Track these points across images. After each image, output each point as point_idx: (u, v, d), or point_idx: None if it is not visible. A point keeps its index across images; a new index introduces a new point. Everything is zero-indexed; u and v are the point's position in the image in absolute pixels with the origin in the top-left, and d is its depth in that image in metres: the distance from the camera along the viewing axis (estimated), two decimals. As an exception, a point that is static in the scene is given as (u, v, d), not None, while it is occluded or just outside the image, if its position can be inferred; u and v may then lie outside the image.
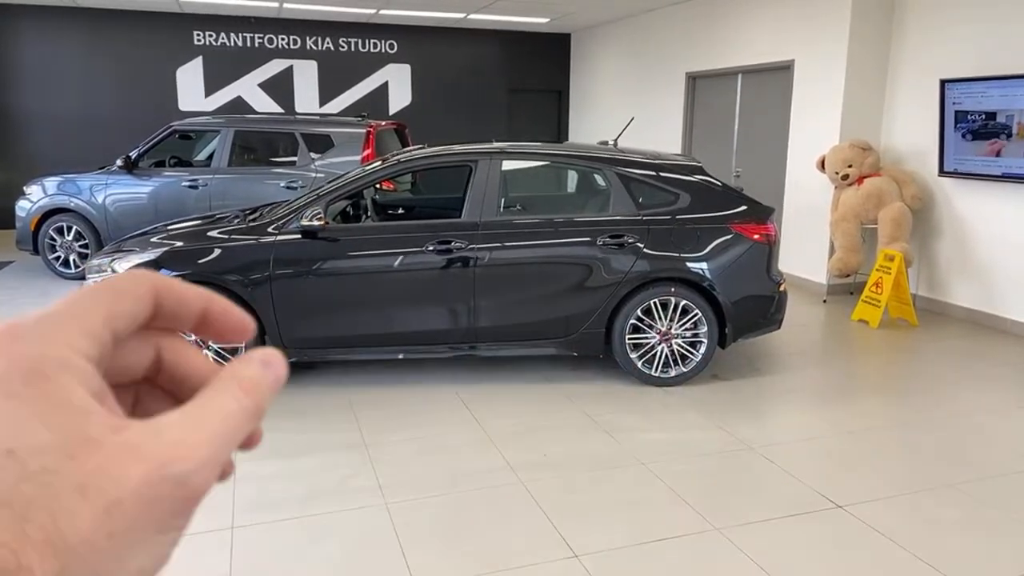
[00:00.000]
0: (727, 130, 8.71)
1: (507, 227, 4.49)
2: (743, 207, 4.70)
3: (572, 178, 4.88)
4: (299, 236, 4.39)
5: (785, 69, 7.64)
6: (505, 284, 4.46)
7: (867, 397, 4.59)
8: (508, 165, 4.65)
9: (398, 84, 11.81)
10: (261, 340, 4.46)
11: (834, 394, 4.63)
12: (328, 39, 11.31)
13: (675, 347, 4.62)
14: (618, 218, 4.55)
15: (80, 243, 7.47)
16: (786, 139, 7.69)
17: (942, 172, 6.38)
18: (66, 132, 10.49)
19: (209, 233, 4.51)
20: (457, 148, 4.71)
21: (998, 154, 5.86)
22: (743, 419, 4.20)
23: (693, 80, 9.29)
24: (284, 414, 4.19)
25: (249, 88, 11.10)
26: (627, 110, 10.76)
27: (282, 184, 7.21)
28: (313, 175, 7.18)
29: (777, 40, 7.72)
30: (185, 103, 10.87)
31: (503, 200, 4.57)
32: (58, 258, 7.51)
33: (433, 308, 4.47)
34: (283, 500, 3.23)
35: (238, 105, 11.03)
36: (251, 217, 4.75)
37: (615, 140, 5.23)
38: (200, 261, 4.35)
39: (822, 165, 6.92)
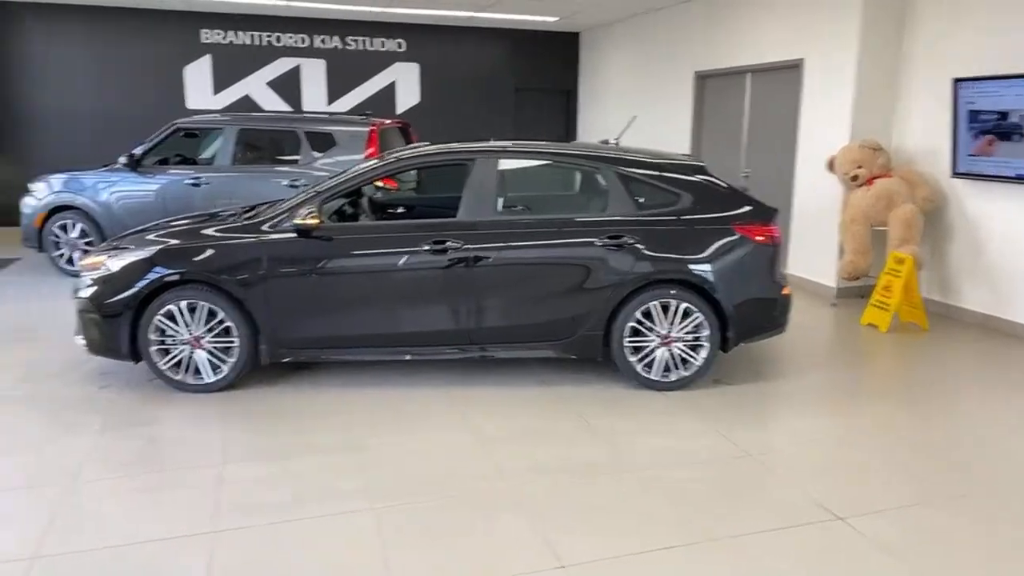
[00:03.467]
0: (736, 130, 8.58)
1: (504, 227, 4.41)
2: (746, 208, 4.59)
3: (571, 177, 4.80)
4: (293, 235, 4.34)
5: (794, 68, 7.51)
6: (502, 285, 4.39)
7: (873, 404, 4.47)
8: (506, 164, 4.57)
9: (406, 83, 11.77)
10: (255, 341, 4.41)
11: (839, 400, 4.52)
12: (336, 37, 11.27)
13: (675, 351, 4.53)
14: (617, 218, 4.46)
15: (84, 240, 7.47)
16: (795, 139, 7.55)
17: (955, 173, 6.24)
18: (73, 130, 10.52)
19: (203, 231, 4.46)
20: (454, 146, 4.63)
21: (990, 155, 5.74)
22: (744, 425, 4.10)
23: (702, 79, 9.17)
24: (276, 415, 4.13)
25: (257, 86, 11.09)
26: (636, 110, 10.65)
27: (285, 183, 7.17)
28: (316, 174, 7.13)
29: (786, 39, 7.59)
30: (193, 101, 10.87)
31: (500, 199, 4.49)
32: (62, 255, 7.52)
33: (429, 309, 4.39)
34: (268, 504, 3.17)
35: (246, 103, 11.03)
36: (246, 215, 4.70)
37: (616, 139, 5.14)
38: (194, 259, 4.30)
39: (831, 166, 6.79)
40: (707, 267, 4.44)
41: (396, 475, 3.45)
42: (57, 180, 7.50)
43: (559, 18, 10.82)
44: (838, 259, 7.00)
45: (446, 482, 3.39)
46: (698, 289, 4.48)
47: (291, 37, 11.08)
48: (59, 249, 7.50)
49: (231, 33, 10.84)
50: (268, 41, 11.01)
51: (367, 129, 7.19)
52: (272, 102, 11.15)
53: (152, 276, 4.27)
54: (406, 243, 4.36)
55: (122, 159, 7.30)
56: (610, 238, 4.41)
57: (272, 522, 3.03)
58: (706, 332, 4.50)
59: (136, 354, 4.40)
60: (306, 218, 4.26)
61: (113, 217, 7.35)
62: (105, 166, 7.63)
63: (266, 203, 5.14)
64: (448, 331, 4.44)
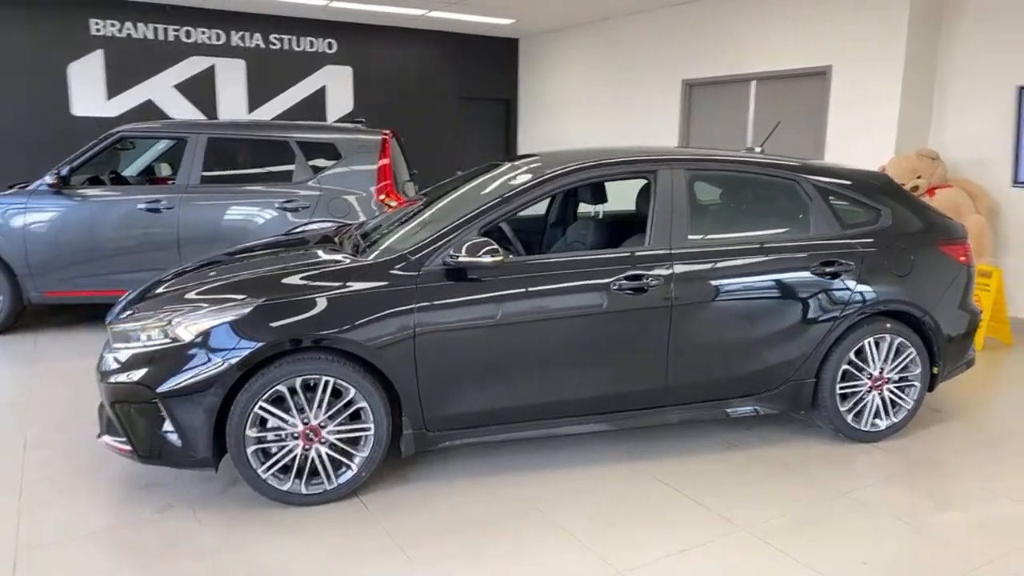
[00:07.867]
0: (738, 143, 8.17)
1: (707, 256, 3.50)
2: (941, 225, 4.02)
3: (761, 192, 3.97)
4: (445, 276, 3.16)
5: (819, 75, 7.20)
6: (706, 328, 3.47)
7: (1081, 437, 4.03)
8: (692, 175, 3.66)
9: (337, 88, 10.37)
10: (396, 423, 3.18)
11: (1046, 436, 4.03)
12: (257, 35, 9.69)
13: (886, 394, 3.84)
14: (825, 241, 3.70)
15: (-15, 288, 5.56)
16: (821, 151, 7.23)
17: (1016, 183, 6.12)
18: (-81, 141, 8.16)
19: (284, 281, 3.12)
20: (629, 154, 3.65)
21: None
22: (1007, 480, 3.47)
23: (690, 88, 8.71)
24: (465, 528, 2.94)
25: (162, 89, 9.25)
26: (597, 120, 10.02)
27: (276, 204, 5.74)
28: (317, 192, 5.77)
29: (808, 44, 7.27)
30: (80, 107, 8.84)
31: (691, 221, 3.57)
32: (-49, 309, 5.56)
33: (619, 364, 3.38)
34: None
35: (149, 109, 9.15)
36: (338, 250, 3.43)
37: (761, 146, 4.40)
38: (298, 319, 2.99)
39: (882, 177, 6.48)
40: (923, 294, 3.80)
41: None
42: (-67, 207, 5.54)
43: (515, 21, 9.98)
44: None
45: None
46: (909, 320, 3.83)
47: (203, 32, 9.36)
48: (-54, 300, 5.54)
49: (128, 25, 8.94)
50: (175, 36, 9.21)
51: (379, 137, 5.93)
52: (182, 109, 9.34)
53: (252, 344, 2.92)
54: (587, 279, 3.33)
55: (47, 178, 5.51)
56: (822, 264, 3.64)
57: None
58: (917, 370, 3.85)
59: (218, 458, 3.03)
60: (482, 254, 3.09)
61: (30, 254, 5.51)
62: (12, 187, 5.76)
63: (343, 232, 3.87)
64: (640, 391, 3.45)
